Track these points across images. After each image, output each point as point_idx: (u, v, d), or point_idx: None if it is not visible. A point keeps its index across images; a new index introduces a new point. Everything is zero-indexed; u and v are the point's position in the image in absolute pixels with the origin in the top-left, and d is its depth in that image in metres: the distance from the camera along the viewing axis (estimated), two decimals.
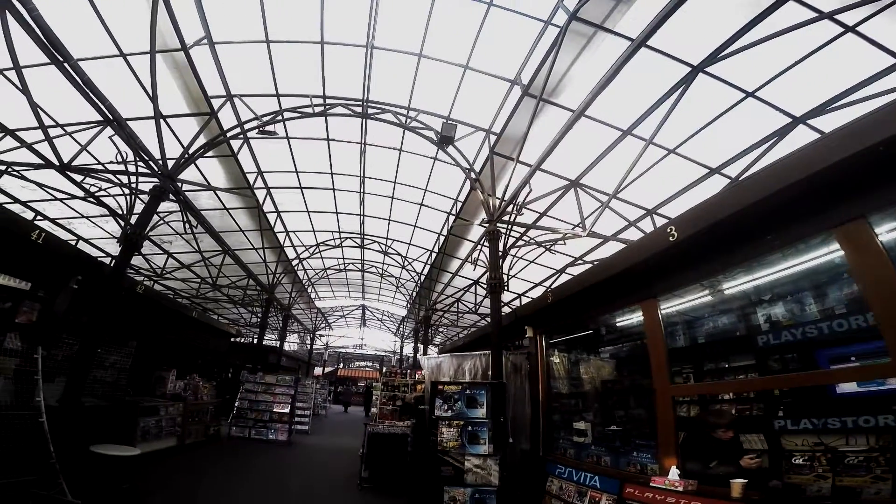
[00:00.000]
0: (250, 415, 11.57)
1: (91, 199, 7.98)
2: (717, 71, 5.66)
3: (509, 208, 7.24)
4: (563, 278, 11.03)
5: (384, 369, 14.55)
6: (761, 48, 4.91)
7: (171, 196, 7.39)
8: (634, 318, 4.88)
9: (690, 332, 4.49)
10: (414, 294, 18.72)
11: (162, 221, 9.24)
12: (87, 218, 11.00)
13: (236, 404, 11.62)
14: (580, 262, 10.70)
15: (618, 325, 5.39)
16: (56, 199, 9.69)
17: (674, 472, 3.59)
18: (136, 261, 12.48)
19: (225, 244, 11.98)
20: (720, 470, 3.49)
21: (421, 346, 18.24)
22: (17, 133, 7.40)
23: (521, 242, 8.37)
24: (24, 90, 5.63)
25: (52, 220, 10.55)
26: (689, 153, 7.15)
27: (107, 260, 10.46)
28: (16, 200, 9.52)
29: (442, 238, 12.98)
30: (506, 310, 8.16)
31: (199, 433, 9.85)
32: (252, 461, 8.70)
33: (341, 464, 9.28)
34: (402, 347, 28.96)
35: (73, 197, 9.23)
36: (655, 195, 8.35)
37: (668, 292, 4.20)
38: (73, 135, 7.40)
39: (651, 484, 3.66)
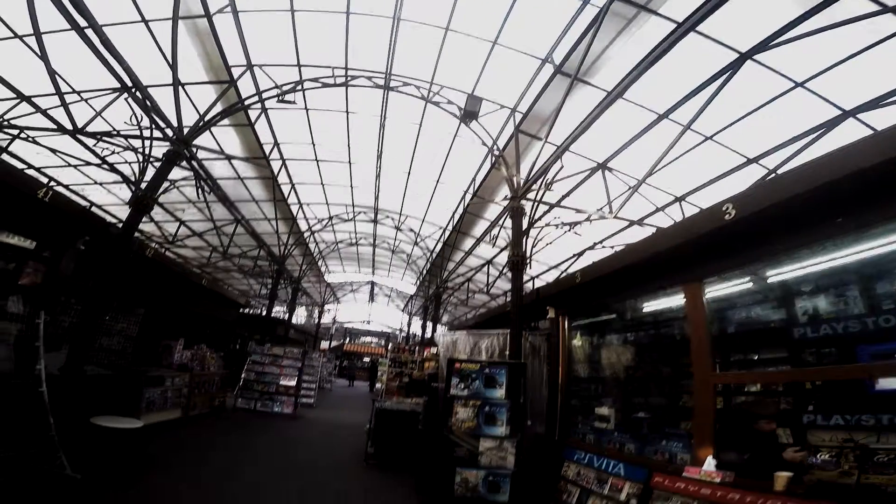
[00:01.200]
0: (256, 387, 11.50)
1: (105, 165, 7.92)
2: (766, 59, 5.42)
3: (535, 185, 7.03)
4: (581, 263, 10.75)
5: (390, 346, 14.50)
6: (816, 38, 4.60)
7: (185, 161, 7.25)
8: (672, 301, 4.63)
9: (734, 318, 4.23)
10: (425, 271, 18.62)
11: (174, 187, 9.06)
12: (100, 184, 10.93)
13: (243, 376, 11.56)
14: (600, 245, 10.44)
15: (651, 308, 5.12)
16: (69, 164, 9.66)
17: (710, 463, 3.38)
18: (148, 227, 12.47)
19: (238, 213, 11.85)
20: (758, 463, 3.29)
21: (430, 324, 18.16)
22: (32, 99, 7.36)
23: (545, 221, 8.15)
24: (43, 56, 5.49)
25: (66, 187, 10.50)
26: (725, 141, 6.90)
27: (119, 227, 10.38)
28: (30, 166, 9.43)
29: (457, 216, 12.83)
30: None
31: (205, 404, 9.75)
32: (257, 434, 8.65)
33: (347, 439, 9.18)
34: (409, 324, 28.99)
35: (87, 163, 9.24)
36: (685, 182, 8.17)
37: (715, 275, 3.92)
38: (88, 101, 7.34)
39: (685, 474, 3.46)
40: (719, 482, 3.23)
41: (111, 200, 11.60)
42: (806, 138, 6.12)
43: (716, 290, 4.05)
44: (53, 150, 8.66)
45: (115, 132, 7.17)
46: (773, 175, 6.58)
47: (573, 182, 8.24)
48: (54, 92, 6.07)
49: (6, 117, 7.46)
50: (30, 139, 7.87)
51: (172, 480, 5.09)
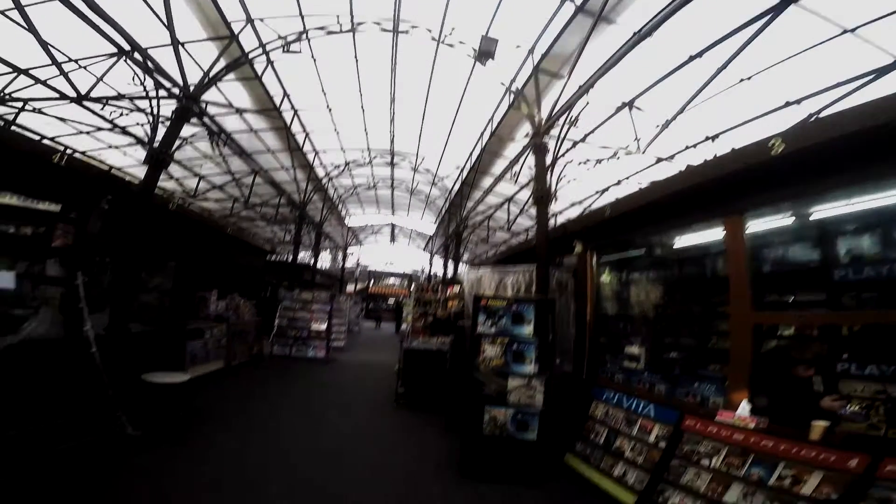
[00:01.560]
0: (290, 333, 11.89)
1: (117, 129, 7.88)
2: (812, 4, 5.03)
3: (559, 121, 6.68)
4: (604, 200, 10.50)
5: (413, 286, 14.71)
6: None
7: (196, 118, 7.10)
8: (707, 236, 4.45)
9: (771, 257, 4.06)
10: (444, 211, 18.53)
11: (187, 143, 8.97)
12: (115, 148, 10.91)
13: (276, 322, 11.93)
14: (625, 181, 10.12)
15: (684, 244, 4.96)
16: (81, 132, 9.60)
17: (745, 408, 3.36)
18: (169, 185, 12.54)
19: (255, 164, 11.82)
20: (793, 410, 3.26)
21: (451, 263, 18.29)
22: (30, 71, 7.18)
23: (569, 157, 7.89)
24: (31, 29, 5.28)
25: (83, 153, 10.51)
26: (762, 84, 6.45)
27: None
28: (43, 137, 9.39)
29: (475, 155, 12.50)
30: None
31: (244, 354, 10.10)
32: (294, 380, 9.01)
33: (377, 381, 9.57)
34: (431, 264, 29.32)
35: (99, 129, 9.19)
36: (717, 122, 7.76)
37: (758, 209, 3.70)
38: (87, 68, 7.14)
39: (717, 418, 3.46)
40: (753, 428, 3.22)
41: (129, 162, 11.63)
42: (852, 84, 5.63)
43: (756, 227, 3.86)
44: (62, 119, 8.60)
45: (119, 95, 7.03)
46: (817, 116, 6.13)
47: (598, 119, 7.88)
48: (51, 63, 5.92)
49: (6, 91, 7.33)
50: (35, 110, 7.80)
51: (221, 430, 5.37)
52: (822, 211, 3.66)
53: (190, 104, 5.67)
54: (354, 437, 5.64)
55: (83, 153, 10.52)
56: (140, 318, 7.09)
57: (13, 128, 8.01)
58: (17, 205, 4.85)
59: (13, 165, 4.62)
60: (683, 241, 5.01)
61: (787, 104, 6.52)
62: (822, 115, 5.93)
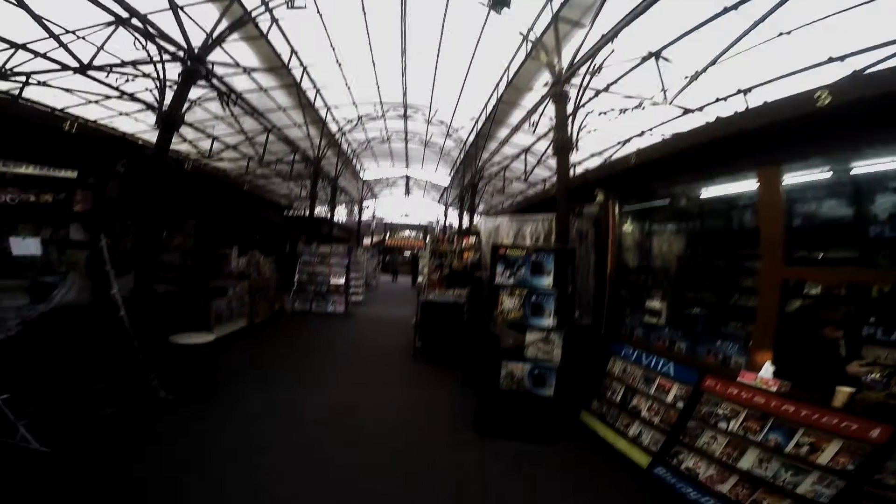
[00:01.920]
0: (309, 287, 12.11)
1: (126, 96, 7.75)
2: None
3: (581, 70, 6.28)
4: (626, 151, 10.05)
5: (429, 238, 14.64)
6: None
7: (204, 80, 6.90)
8: (737, 188, 4.27)
9: (803, 212, 3.87)
10: (458, 162, 18.19)
11: (197, 104, 8.78)
12: (126, 115, 10.76)
13: (296, 278, 12.12)
14: (649, 133, 9.68)
15: (711, 195, 4.76)
16: (90, 101, 9.46)
17: (767, 369, 3.29)
18: (183, 147, 12.44)
19: (267, 122, 11.62)
20: (817, 373, 3.17)
21: (466, 214, 18.13)
22: (28, 45, 7.03)
23: (591, 106, 7.52)
24: (21, 3, 5.15)
25: (94, 122, 10.41)
26: (802, 38, 5.99)
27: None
28: (53, 109, 9.16)
29: (490, 106, 12.04)
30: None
31: (266, 311, 10.30)
32: (315, 336, 9.24)
33: (395, 335, 9.73)
34: (446, 216, 29.17)
35: (107, 97, 9.04)
36: (751, 75, 7.32)
37: (796, 161, 3.48)
38: (86, 38, 6.96)
39: (739, 379, 3.41)
40: (774, 391, 3.16)
41: (141, 128, 11.50)
42: None
43: (790, 179, 3.64)
44: (68, 90, 8.46)
45: (123, 63, 6.86)
46: (862, 73, 5.67)
47: (622, 69, 7.43)
48: (48, 35, 5.78)
49: (7, 67, 7.21)
50: (41, 83, 7.67)
51: (247, 389, 5.55)
52: (863, 166, 3.45)
53: (196, 66, 5.49)
54: (371, 393, 5.80)
55: (94, 122, 10.44)
56: (164, 278, 7.25)
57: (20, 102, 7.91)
58: (35, 174, 4.87)
59: (27, 136, 4.63)
60: (711, 192, 4.80)
61: (831, 60, 6.09)
62: (868, 72, 5.50)
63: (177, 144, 12.21)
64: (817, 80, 5.83)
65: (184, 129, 11.72)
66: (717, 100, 7.94)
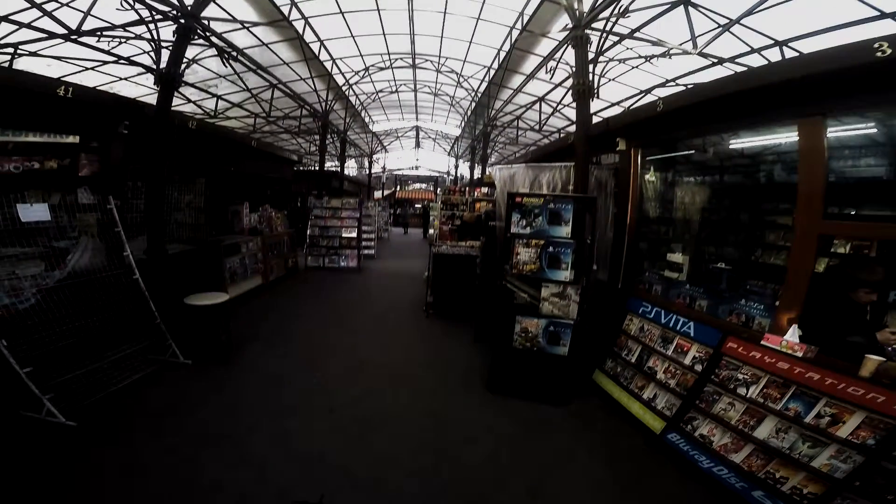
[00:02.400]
0: (322, 242, 12.05)
1: (123, 60, 7.37)
2: None
3: (605, 12, 5.77)
4: (645, 101, 9.55)
5: (439, 190, 14.37)
6: None
7: (203, 39, 6.49)
8: (773, 140, 3.97)
9: (839, 167, 3.58)
10: (470, 112, 17.52)
11: (194, 62, 8.39)
12: (125, 79, 10.43)
13: (308, 232, 12.06)
14: (672, 84, 9.05)
15: (741, 146, 4.46)
16: (86, 69, 9.08)
17: (794, 332, 3.12)
18: (188, 108, 12.07)
19: (272, 76, 11.13)
20: (845, 339, 2.99)
21: (478, 165, 17.69)
22: (10, 18, 6.71)
23: (614, 52, 7.01)
24: None
25: (95, 89, 10.08)
26: None
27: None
28: (49, 79, 8.89)
29: (503, 53, 11.43)
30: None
31: (280, 268, 10.26)
32: (328, 293, 9.22)
33: (407, 288, 9.75)
34: (457, 167, 28.58)
35: (104, 62, 8.63)
36: (788, 27, 6.84)
37: (842, 112, 3.17)
38: (70, 5, 6.72)
39: (763, 342, 3.26)
40: (800, 357, 3.00)
41: (143, 91, 11.10)
42: None
43: (833, 132, 3.34)
44: (58, 58, 8.20)
45: (113, 26, 6.53)
46: None
47: (648, 14, 6.92)
48: (30, 5, 5.56)
49: None
50: (32, 53, 7.44)
51: (263, 350, 5.59)
52: None
53: (190, 23, 5.14)
54: (382, 350, 5.80)
55: (95, 89, 10.20)
56: (179, 237, 7.21)
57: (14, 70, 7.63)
58: (37, 141, 4.75)
59: (24, 104, 4.46)
60: (741, 143, 4.48)
61: (883, 15, 5.53)
62: None
63: (181, 105, 11.87)
64: (858, 35, 5.41)
65: (187, 90, 11.40)
66: (752, 51, 7.39)
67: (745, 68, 6.87)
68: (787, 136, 3.74)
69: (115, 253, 4.75)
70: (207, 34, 6.45)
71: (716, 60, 7.61)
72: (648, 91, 9.87)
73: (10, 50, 7.06)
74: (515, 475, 3.33)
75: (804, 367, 2.96)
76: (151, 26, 5.79)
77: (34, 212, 4.22)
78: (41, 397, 3.60)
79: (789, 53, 7.07)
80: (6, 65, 7.22)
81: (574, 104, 5.83)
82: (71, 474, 3.05)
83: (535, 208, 4.41)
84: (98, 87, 10.18)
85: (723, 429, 3.38)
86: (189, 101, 11.95)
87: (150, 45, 5.75)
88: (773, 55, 7.21)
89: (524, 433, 3.91)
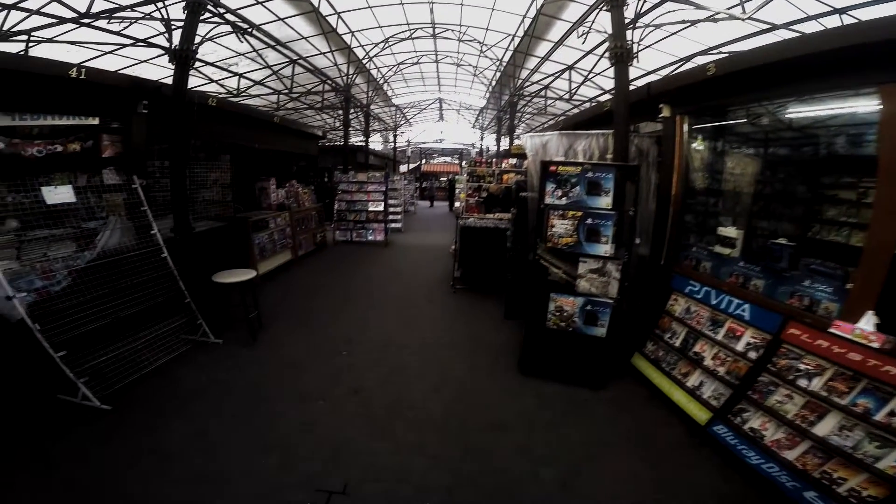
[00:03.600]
0: (349, 216, 11.93)
1: (141, 42, 7.17)
2: None
3: None
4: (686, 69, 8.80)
5: (464, 162, 13.88)
6: None
7: (217, 17, 6.20)
8: (845, 107, 3.44)
9: None
10: (494, 82, 16.72)
11: (209, 40, 8.07)
12: (145, 62, 10.23)
13: (335, 207, 11.94)
14: (714, 52, 8.31)
15: (808, 113, 3.89)
16: (105, 52, 9.01)
17: (869, 320, 2.70)
18: (211, 87, 11.87)
19: (291, 51, 10.76)
20: None
21: (504, 137, 17.04)
22: (19, 5, 6.61)
23: (653, 16, 6.37)
24: None
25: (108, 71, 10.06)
26: None
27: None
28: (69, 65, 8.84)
29: (528, 20, 10.72)
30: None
31: (309, 242, 10.18)
32: (355, 267, 9.08)
33: (433, 262, 9.54)
34: (482, 139, 27.77)
35: (123, 46, 8.53)
36: None
37: None
38: None
39: (831, 330, 2.84)
40: (877, 348, 2.57)
41: (166, 73, 10.91)
42: None
43: None
44: (75, 43, 7.98)
45: (121, 7, 6.31)
46: None
47: None
48: None
49: (4, 28, 6.71)
50: (49, 40, 7.29)
51: (291, 327, 5.50)
52: None
53: None
54: (409, 328, 5.61)
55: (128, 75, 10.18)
56: (208, 214, 7.12)
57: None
58: (56, 124, 4.61)
59: (38, 88, 4.29)
60: (805, 110, 3.91)
61: None
62: None
63: (204, 85, 11.69)
64: None
65: (208, 70, 11.14)
66: (808, 18, 6.67)
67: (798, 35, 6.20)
68: (859, 104, 3.23)
69: (143, 232, 4.66)
70: (219, 10, 6.15)
71: (767, 26, 6.84)
72: (688, 59, 9.07)
73: (24, 37, 6.91)
74: (547, 465, 3.07)
75: (880, 359, 2.54)
76: (160, 4, 5.58)
77: (59, 194, 4.11)
78: (76, 381, 3.54)
79: (848, 21, 6.31)
80: (22, 52, 7.10)
81: (606, 73, 5.29)
82: (103, 461, 2.97)
83: (571, 177, 3.97)
84: (120, 71, 10.22)
85: (777, 423, 3.02)
86: (211, 80, 11.74)
87: (161, 23, 5.51)
88: (832, 23, 6.45)
89: (557, 419, 3.64)
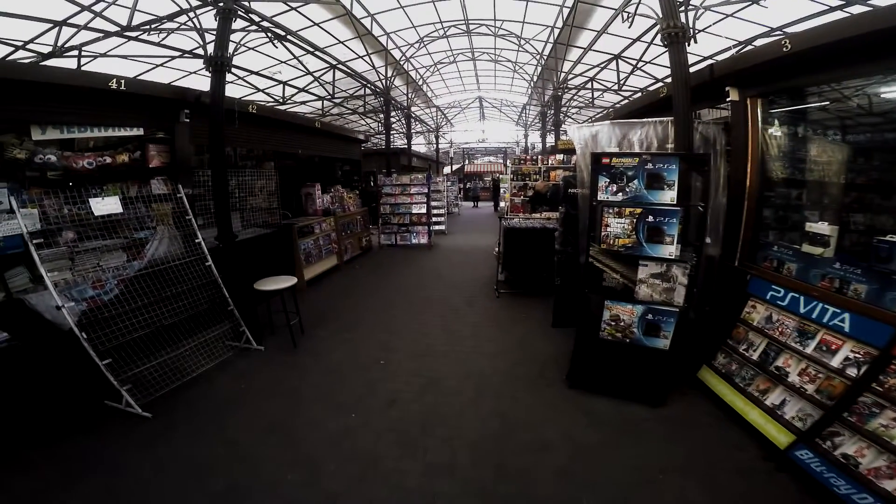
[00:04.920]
0: (393, 220, 11.86)
1: (188, 53, 7.40)
2: None
3: None
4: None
5: (509, 161, 13.41)
6: None
7: (243, 19, 6.25)
8: None
9: None
10: (535, 77, 16.13)
11: (249, 49, 8.19)
12: (196, 73, 10.58)
13: (380, 210, 11.91)
14: (777, 33, 7.51)
15: None
16: (156, 65, 9.37)
17: None
18: (258, 97, 12.22)
19: (330, 56, 10.86)
20: None
21: (550, 132, 16.38)
22: (68, 22, 6.97)
23: None
24: None
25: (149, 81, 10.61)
26: None
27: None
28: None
29: (566, 10, 10.23)
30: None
31: (355, 247, 10.17)
32: (400, 271, 8.93)
33: (477, 266, 9.18)
34: (526, 136, 27.07)
35: (172, 58, 8.80)
36: None
37: None
38: (117, 2, 6.76)
39: None
40: None
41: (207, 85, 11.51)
42: None
43: None
44: (125, 57, 8.39)
45: (160, 18, 6.50)
46: None
47: None
48: (80, 9, 5.78)
49: (58, 44, 7.05)
50: (103, 55, 7.63)
51: (333, 334, 5.38)
52: None
53: (229, 4, 4.80)
54: (449, 335, 5.31)
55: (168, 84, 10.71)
56: (255, 221, 7.20)
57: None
58: (102, 135, 4.72)
59: (83, 101, 4.38)
60: None
61: None
62: None
63: (251, 94, 12.04)
64: None
65: (254, 79, 11.42)
66: None
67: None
68: None
69: (189, 241, 4.73)
70: (251, 15, 6.18)
71: (841, 2, 5.98)
72: (748, 42, 8.19)
73: (75, 52, 7.25)
74: (593, 492, 2.68)
75: None
76: (192, 15, 5.70)
77: (106, 205, 4.18)
78: (120, 389, 3.58)
79: None
80: (74, 66, 7.48)
81: (656, 60, 4.73)
82: (137, 468, 2.95)
83: (627, 170, 3.49)
84: (173, 83, 10.70)
85: (877, 449, 2.46)
86: (258, 89, 12.08)
87: (196, 32, 5.59)
88: None
89: (607, 440, 3.22)
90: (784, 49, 3.36)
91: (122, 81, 4.36)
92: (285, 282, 5.07)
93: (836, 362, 2.87)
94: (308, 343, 5.11)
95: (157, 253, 4.65)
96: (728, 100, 4.05)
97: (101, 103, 4.46)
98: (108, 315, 3.85)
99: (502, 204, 12.75)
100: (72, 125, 4.34)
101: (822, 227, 3.27)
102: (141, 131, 4.85)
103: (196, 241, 4.80)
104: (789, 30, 7.32)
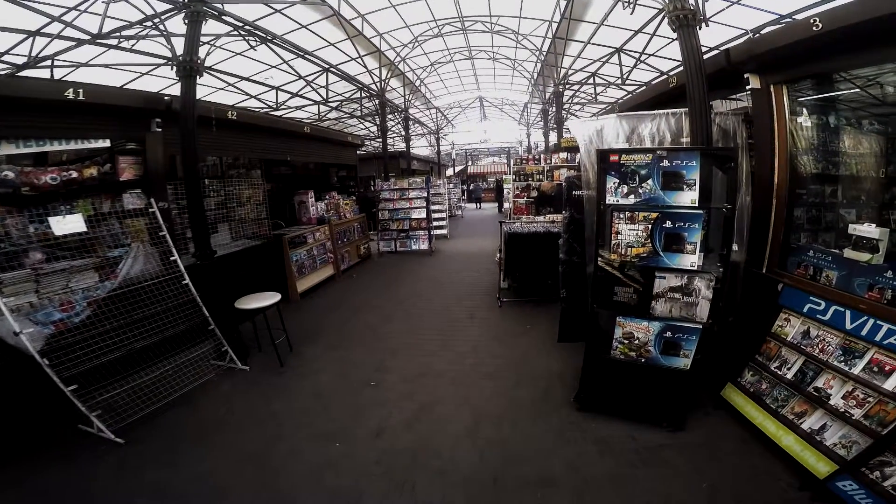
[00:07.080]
0: (392, 226, 11.49)
1: (172, 60, 7.18)
2: None
3: None
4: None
5: (512, 161, 13.02)
6: None
7: (216, 19, 5.92)
8: None
9: None
10: (536, 73, 15.74)
11: (214, 47, 7.84)
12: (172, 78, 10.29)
13: (378, 216, 11.54)
14: (787, 19, 7.00)
15: None
16: (141, 73, 9.11)
17: None
18: (251, 103, 11.90)
19: (321, 59, 10.51)
20: None
21: (553, 129, 15.99)
22: (42, 31, 6.75)
23: None
24: None
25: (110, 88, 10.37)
26: None
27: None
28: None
29: (563, 1, 9.76)
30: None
31: (353, 255, 9.81)
32: (398, 280, 8.57)
33: (479, 273, 8.78)
34: (528, 135, 26.63)
35: (157, 66, 8.50)
36: None
37: None
38: (87, 10, 6.42)
39: None
40: None
41: (204, 91, 10.97)
42: None
43: None
44: (107, 66, 8.12)
45: (130, 24, 6.26)
46: None
47: None
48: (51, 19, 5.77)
49: (32, 54, 6.82)
50: (83, 65, 7.47)
51: (323, 352, 5.06)
52: None
53: (198, 7, 4.45)
54: (446, 352, 4.93)
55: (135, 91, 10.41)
56: (244, 233, 6.86)
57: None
58: (64, 149, 4.44)
59: (43, 113, 4.09)
60: None
61: None
62: None
63: (243, 101, 11.71)
64: None
65: (246, 86, 11.09)
66: None
67: None
68: None
69: (165, 258, 4.46)
70: (226, 18, 5.90)
71: None
72: (757, 31, 7.71)
73: (48, 62, 6.97)
74: None
75: None
76: (156, 20, 5.49)
77: (68, 223, 3.88)
78: (89, 415, 3.39)
79: None
80: (47, 76, 7.20)
81: (660, 52, 4.31)
82: (103, 496, 2.80)
83: (640, 168, 3.06)
84: (161, 92, 10.41)
85: None
86: (250, 96, 11.77)
87: (163, 35, 5.34)
88: None
89: (620, 471, 2.84)
90: (815, 28, 2.95)
91: (81, 91, 4.03)
92: (268, 299, 4.77)
93: (890, 385, 2.46)
94: (296, 361, 4.80)
95: (132, 272, 4.38)
96: (748, 88, 3.64)
97: (61, 114, 4.15)
98: (77, 339, 3.61)
99: (507, 205, 12.40)
100: (28, 139, 4.02)
101: (870, 230, 2.81)
102: (107, 143, 4.53)
103: (171, 258, 4.49)
104: (800, 16, 6.84)
